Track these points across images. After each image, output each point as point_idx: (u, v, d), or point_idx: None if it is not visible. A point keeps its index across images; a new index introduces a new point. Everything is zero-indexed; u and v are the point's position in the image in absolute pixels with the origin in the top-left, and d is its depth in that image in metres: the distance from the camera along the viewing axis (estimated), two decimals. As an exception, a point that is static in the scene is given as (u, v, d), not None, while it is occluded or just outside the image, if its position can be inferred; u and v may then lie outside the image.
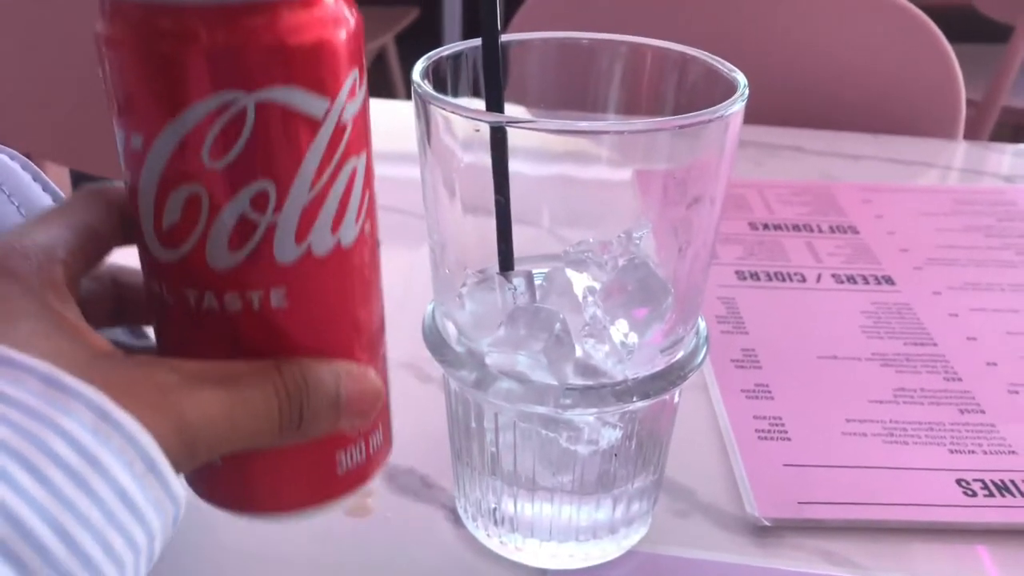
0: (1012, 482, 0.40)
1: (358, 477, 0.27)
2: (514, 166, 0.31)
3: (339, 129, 0.23)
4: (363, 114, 0.24)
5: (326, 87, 0.22)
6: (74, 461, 0.19)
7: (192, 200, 0.22)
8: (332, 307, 0.25)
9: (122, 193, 0.25)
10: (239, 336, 0.24)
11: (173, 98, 0.21)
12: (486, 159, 0.31)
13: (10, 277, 0.22)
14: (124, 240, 0.26)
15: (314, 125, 0.22)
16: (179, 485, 0.22)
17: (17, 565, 0.18)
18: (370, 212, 0.25)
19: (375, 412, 0.26)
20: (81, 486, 0.19)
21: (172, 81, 0.21)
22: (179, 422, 0.22)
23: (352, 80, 0.23)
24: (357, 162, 0.24)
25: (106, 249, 0.26)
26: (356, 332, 0.26)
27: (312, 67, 0.22)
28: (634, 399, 0.31)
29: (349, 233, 0.24)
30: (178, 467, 0.22)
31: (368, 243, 0.25)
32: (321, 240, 0.23)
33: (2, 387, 0.19)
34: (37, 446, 0.19)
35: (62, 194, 0.31)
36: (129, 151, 0.23)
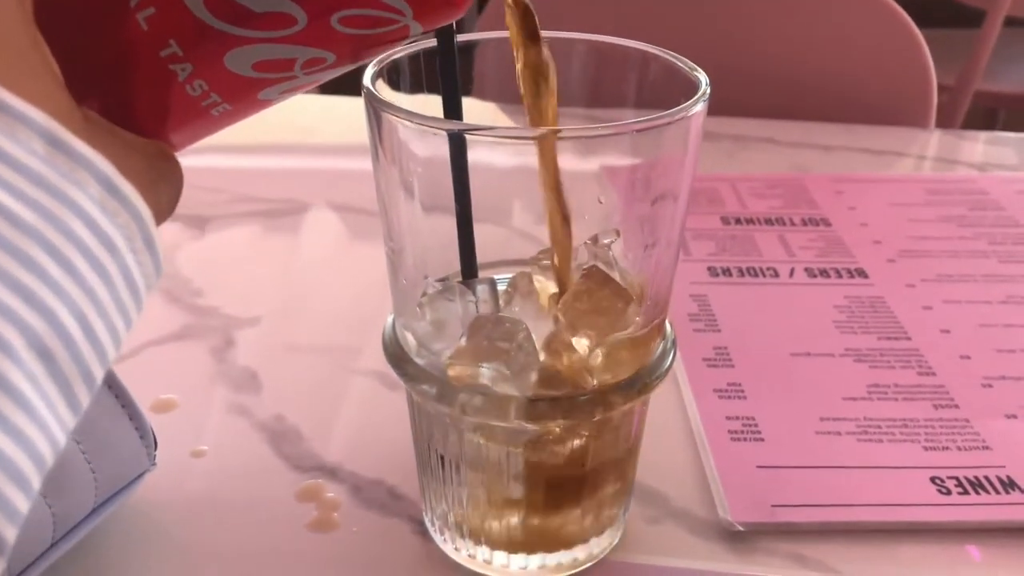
0: (986, 478, 0.39)
1: None
2: (475, 162, 0.30)
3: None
4: None
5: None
6: (92, 244, 0.18)
7: (285, 16, 0.22)
8: (220, 127, 0.26)
9: None
10: (170, 102, 0.23)
11: None
12: (445, 153, 0.30)
13: None
14: None
15: (402, 37, 0.24)
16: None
17: (47, 359, 0.17)
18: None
19: None
20: (99, 271, 0.18)
21: None
22: (157, 206, 0.21)
23: None
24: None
25: None
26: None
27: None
28: (600, 409, 0.30)
29: (285, 98, 0.25)
30: None
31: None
32: (279, 96, 0.24)
33: (2, 143, 0.17)
34: (59, 229, 0.17)
35: None
36: None
